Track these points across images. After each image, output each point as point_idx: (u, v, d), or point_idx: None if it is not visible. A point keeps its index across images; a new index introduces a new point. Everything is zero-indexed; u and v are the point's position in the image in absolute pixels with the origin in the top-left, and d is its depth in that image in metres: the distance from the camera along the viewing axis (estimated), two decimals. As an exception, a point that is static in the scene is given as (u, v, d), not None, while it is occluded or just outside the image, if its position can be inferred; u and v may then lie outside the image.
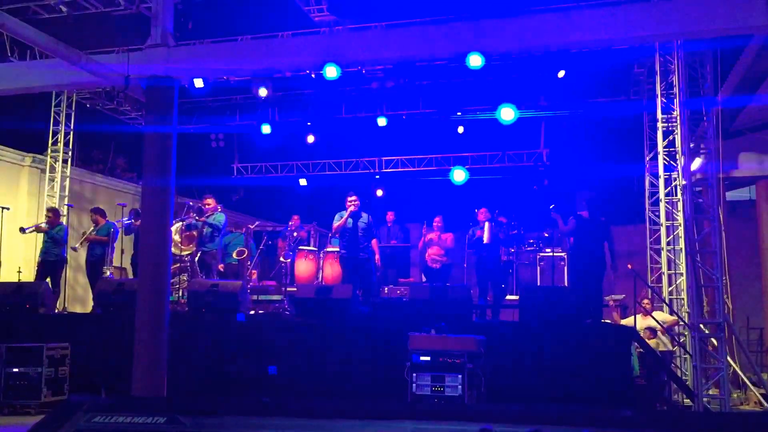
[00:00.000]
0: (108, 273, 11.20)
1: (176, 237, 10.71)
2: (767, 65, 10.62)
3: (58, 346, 8.89)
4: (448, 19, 10.50)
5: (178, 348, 8.14)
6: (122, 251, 11.41)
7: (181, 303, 10.26)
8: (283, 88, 13.67)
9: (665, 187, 11.17)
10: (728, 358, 8.55)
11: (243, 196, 16.92)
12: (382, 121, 13.88)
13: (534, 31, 7.82)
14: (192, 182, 13.36)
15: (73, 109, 14.16)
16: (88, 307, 12.00)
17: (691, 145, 8.71)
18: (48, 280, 10.78)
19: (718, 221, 8.49)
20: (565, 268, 11.46)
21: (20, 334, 9.13)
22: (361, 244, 10.15)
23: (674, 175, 10.91)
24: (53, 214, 11.38)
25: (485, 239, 10.28)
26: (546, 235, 12.27)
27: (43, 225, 11.26)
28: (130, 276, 11.26)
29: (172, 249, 9.44)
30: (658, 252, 11.62)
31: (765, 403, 9.17)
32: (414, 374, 7.41)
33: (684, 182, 8.66)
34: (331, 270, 11.18)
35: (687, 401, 8.97)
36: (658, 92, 10.99)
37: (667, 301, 10.86)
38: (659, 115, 11.02)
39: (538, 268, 12.25)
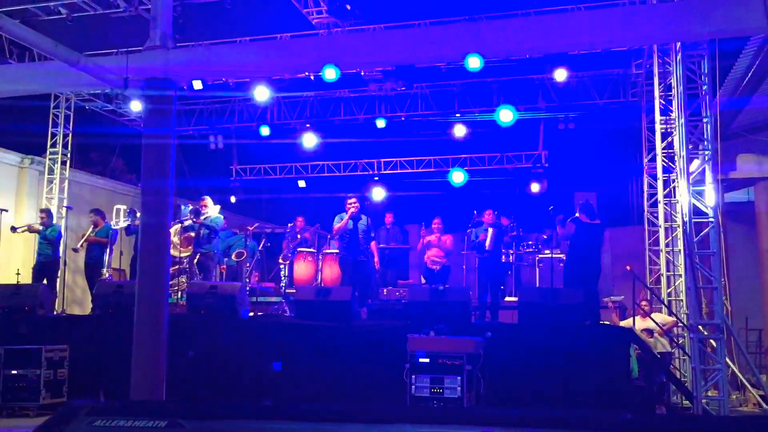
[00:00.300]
0: (107, 275, 11.20)
1: (175, 239, 10.70)
2: (766, 67, 10.63)
3: (57, 348, 8.89)
4: (447, 21, 10.51)
5: (177, 350, 8.13)
6: (121, 253, 11.41)
7: (180, 305, 10.25)
8: (282, 89, 13.67)
9: (664, 189, 11.18)
10: (727, 360, 8.55)
11: (242, 198, 16.91)
12: (380, 123, 13.90)
13: (533, 33, 7.82)
14: (191, 184, 13.37)
15: (72, 111, 14.15)
16: (87, 309, 12.00)
17: (690, 147, 8.71)
18: (45, 281, 10.78)
19: (717, 223, 8.49)
20: (565, 270, 11.45)
21: (19, 336, 9.12)
22: (361, 246, 10.32)
23: (673, 176, 10.91)
24: (46, 214, 11.43)
25: (488, 245, 10.23)
26: (545, 236, 12.26)
27: (36, 225, 11.27)
28: (129, 278, 11.26)
29: (171, 251, 9.42)
30: (657, 253, 11.63)
31: (764, 405, 9.18)
32: (413, 376, 7.42)
33: (683, 184, 8.66)
34: (330, 272, 11.18)
35: (686, 403, 8.97)
36: (657, 94, 11.00)
37: (666, 302, 10.86)
38: (658, 117, 11.04)
39: (537, 269, 12.24)
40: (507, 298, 11.34)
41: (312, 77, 12.33)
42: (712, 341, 8.72)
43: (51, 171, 13.92)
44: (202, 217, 10.92)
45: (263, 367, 8.60)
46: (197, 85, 11.81)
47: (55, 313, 10.63)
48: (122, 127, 15.11)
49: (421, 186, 15.24)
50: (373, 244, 10.91)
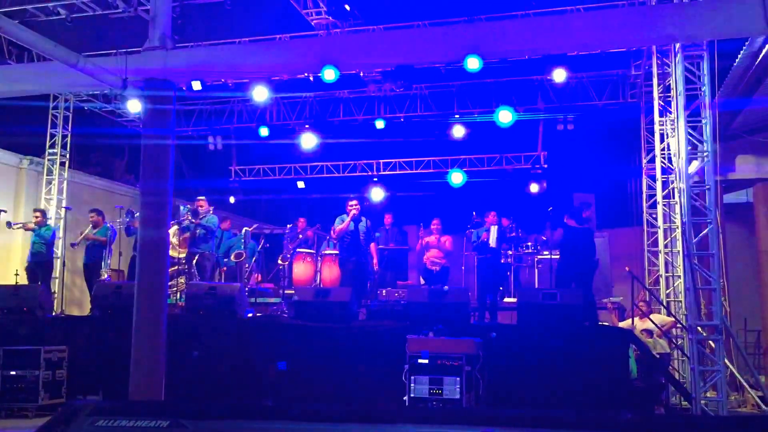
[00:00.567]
0: (105, 276, 11.19)
1: (174, 240, 10.69)
2: (765, 68, 10.63)
3: (56, 349, 8.88)
4: (446, 21, 10.52)
5: (175, 351, 8.13)
6: (120, 254, 11.40)
7: (179, 306, 10.25)
8: (281, 90, 13.67)
9: (663, 190, 11.18)
10: (726, 361, 8.55)
11: (241, 199, 16.91)
12: (380, 124, 13.91)
13: (532, 34, 7.83)
14: (190, 185, 13.36)
15: (71, 111, 14.13)
16: (86, 310, 11.99)
17: (689, 148, 8.71)
18: (39, 283, 10.79)
19: (716, 224, 8.49)
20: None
21: (18, 337, 9.11)
22: (362, 247, 10.51)
23: (672, 177, 10.91)
24: (41, 214, 11.54)
25: (492, 243, 10.23)
26: (544, 238, 12.27)
27: (31, 224, 11.30)
28: (128, 279, 11.25)
29: (170, 252, 9.42)
30: (656, 255, 11.63)
31: (763, 406, 9.18)
32: (412, 377, 7.42)
33: (681, 185, 8.67)
34: (330, 272, 11.18)
35: (685, 404, 8.97)
36: (656, 95, 11.01)
37: (664, 303, 10.86)
38: (657, 118, 11.05)
39: (536, 270, 12.25)
40: (506, 299, 11.34)
41: (311, 78, 12.33)
42: (710, 342, 8.72)
43: (50, 172, 13.91)
44: (201, 218, 10.93)
45: (262, 367, 8.60)
46: (196, 85, 11.79)
47: (53, 313, 10.62)
48: (121, 128, 15.10)
49: (421, 187, 15.25)
50: (372, 245, 11.04)
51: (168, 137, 7.91)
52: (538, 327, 8.28)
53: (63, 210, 13.45)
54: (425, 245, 11.21)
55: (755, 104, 11.51)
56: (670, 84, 10.37)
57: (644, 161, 12.28)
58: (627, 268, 10.79)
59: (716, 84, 9.34)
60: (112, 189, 15.79)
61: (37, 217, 11.38)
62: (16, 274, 11.12)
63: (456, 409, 6.86)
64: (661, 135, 11.04)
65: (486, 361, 7.64)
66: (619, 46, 9.75)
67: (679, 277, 10.44)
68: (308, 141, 14.16)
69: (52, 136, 13.93)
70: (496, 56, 9.40)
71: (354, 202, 10.55)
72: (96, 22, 10.92)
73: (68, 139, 14.07)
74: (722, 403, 8.22)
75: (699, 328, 8.60)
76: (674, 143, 10.45)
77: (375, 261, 11.25)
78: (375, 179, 15.32)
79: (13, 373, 8.56)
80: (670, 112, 10.49)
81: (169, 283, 9.40)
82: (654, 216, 11.69)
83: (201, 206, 11.09)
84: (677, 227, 10.60)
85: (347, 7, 11.09)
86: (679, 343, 10.25)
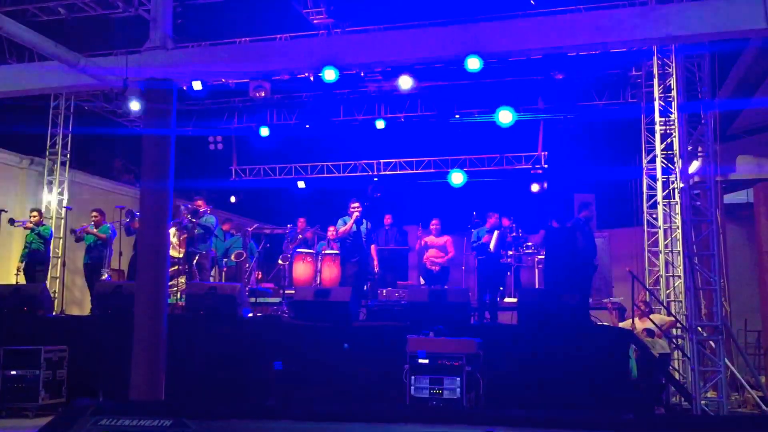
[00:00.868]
0: (106, 275, 11.19)
1: (173, 239, 10.69)
2: (765, 68, 10.64)
3: (56, 349, 8.88)
4: (446, 21, 10.51)
5: (176, 351, 8.13)
6: (120, 253, 11.40)
7: (179, 305, 10.25)
8: (282, 90, 13.68)
9: (663, 190, 11.18)
10: (726, 361, 8.55)
11: (241, 198, 16.92)
12: (380, 124, 13.91)
13: (532, 34, 7.82)
14: (190, 185, 13.36)
15: (72, 111, 14.15)
16: (86, 309, 11.99)
17: (689, 148, 8.72)
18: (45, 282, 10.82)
19: (716, 224, 8.49)
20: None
21: (18, 336, 9.11)
22: (364, 248, 10.65)
23: (672, 177, 10.93)
24: (39, 214, 11.59)
25: (492, 247, 10.23)
26: (530, 243, 12.29)
27: (29, 224, 11.35)
28: (128, 278, 11.25)
29: (171, 251, 9.42)
30: (656, 255, 11.63)
31: (763, 406, 9.18)
32: (412, 377, 7.42)
33: (682, 185, 8.67)
34: (330, 272, 11.18)
35: (685, 404, 8.97)
36: (656, 95, 11.01)
37: (665, 304, 10.87)
38: (657, 118, 11.05)
39: (537, 270, 12.24)
40: (506, 299, 11.34)
41: (311, 78, 12.33)
42: (711, 342, 8.72)
43: (51, 171, 13.92)
44: (202, 219, 10.93)
45: (262, 367, 8.59)
46: (197, 85, 11.81)
47: (54, 313, 10.63)
48: (122, 128, 15.10)
49: (421, 187, 15.26)
50: (373, 247, 11.14)
51: (168, 137, 7.91)
52: (539, 327, 8.28)
53: (64, 210, 13.46)
54: (424, 245, 11.23)
55: (755, 104, 11.51)
56: (670, 84, 10.39)
57: (645, 161, 12.28)
58: (627, 269, 10.79)
59: (716, 84, 9.34)
60: (112, 189, 15.80)
61: (34, 216, 11.41)
62: (17, 274, 11.14)
63: (456, 409, 6.87)
64: (662, 135, 11.04)
65: (486, 361, 7.63)
66: (619, 46, 9.75)
67: (680, 277, 10.45)
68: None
69: (53, 135, 13.93)
70: (496, 56, 9.41)
71: (356, 204, 10.63)
72: (97, 22, 10.93)
73: (69, 139, 14.08)
74: (722, 404, 8.22)
75: (699, 329, 8.60)
76: (675, 143, 10.46)
77: (375, 263, 11.29)
78: (375, 179, 15.33)
79: (13, 372, 8.55)
80: (671, 113, 10.51)
81: (170, 283, 9.40)
82: (654, 216, 11.69)
83: (199, 206, 11.11)
84: (677, 227, 10.61)
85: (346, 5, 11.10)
86: (680, 343, 10.25)
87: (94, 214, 11.38)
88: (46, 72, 8.86)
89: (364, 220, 10.68)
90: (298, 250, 11.71)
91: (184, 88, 10.89)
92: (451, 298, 8.79)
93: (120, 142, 16.11)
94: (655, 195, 11.48)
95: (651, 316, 10.20)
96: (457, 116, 13.77)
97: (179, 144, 8.24)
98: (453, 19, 10.68)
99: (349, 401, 8.17)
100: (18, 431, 7.88)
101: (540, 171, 14.38)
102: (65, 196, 13.97)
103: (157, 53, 7.90)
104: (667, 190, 11.15)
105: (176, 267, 10.71)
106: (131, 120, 14.91)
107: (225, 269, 11.90)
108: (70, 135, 14.10)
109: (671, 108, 10.49)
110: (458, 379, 7.28)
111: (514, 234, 12.00)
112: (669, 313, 10.58)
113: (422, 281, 11.41)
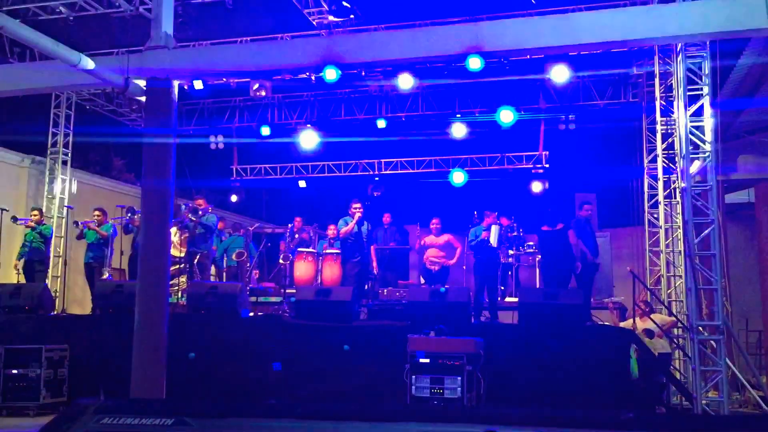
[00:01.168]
0: (107, 275, 11.20)
1: (175, 238, 10.70)
2: (766, 68, 10.63)
3: (57, 348, 8.89)
4: (447, 21, 10.51)
5: (177, 350, 8.13)
6: (121, 253, 11.41)
7: (180, 305, 10.26)
8: (283, 90, 13.68)
9: (664, 190, 11.18)
10: (727, 361, 8.54)
11: (242, 198, 16.91)
12: (381, 123, 13.91)
13: (534, 34, 7.82)
14: (191, 184, 13.37)
15: (73, 110, 14.16)
16: (87, 308, 11.99)
17: (690, 148, 8.70)
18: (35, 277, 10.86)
19: (717, 224, 8.48)
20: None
21: (19, 335, 9.12)
22: (365, 249, 10.77)
23: (673, 177, 10.91)
24: (39, 212, 11.62)
25: (493, 243, 10.21)
26: (531, 242, 12.27)
27: (31, 222, 11.37)
28: (129, 277, 11.26)
29: (171, 251, 9.43)
30: (658, 254, 11.63)
31: (764, 406, 9.17)
32: (413, 376, 7.42)
33: (683, 185, 8.66)
34: (330, 272, 11.19)
35: (686, 404, 8.96)
36: (658, 95, 11.01)
37: (666, 303, 10.86)
38: (658, 118, 11.04)
39: (537, 270, 12.23)
40: (507, 299, 11.34)
41: (312, 78, 12.34)
42: (712, 342, 8.71)
43: (52, 171, 13.93)
44: (203, 217, 10.94)
45: (263, 367, 8.60)
46: (198, 84, 11.82)
47: (55, 312, 10.64)
48: (123, 127, 15.11)
49: (422, 186, 15.25)
50: (372, 248, 11.18)
51: (169, 136, 7.91)
52: (539, 327, 8.28)
53: (65, 209, 13.46)
54: (424, 245, 11.24)
55: (757, 104, 11.51)
56: (671, 84, 10.36)
57: (646, 161, 12.28)
58: (628, 268, 10.79)
59: (718, 84, 9.33)
60: (113, 188, 15.81)
61: (35, 215, 11.43)
62: (18, 273, 11.15)
63: (457, 408, 6.86)
64: (663, 135, 11.04)
65: (487, 361, 7.64)
66: (620, 45, 9.74)
67: (681, 276, 10.44)
68: (308, 139, 14.15)
69: (54, 135, 13.94)
70: (497, 55, 9.39)
71: (358, 205, 10.73)
72: (98, 21, 10.93)
73: (70, 138, 14.09)
74: (723, 403, 8.22)
75: (700, 328, 8.60)
76: (676, 143, 10.44)
77: (374, 264, 11.31)
78: (376, 179, 15.32)
79: (14, 371, 8.56)
80: (672, 112, 10.49)
81: (171, 282, 9.40)
82: (655, 216, 11.69)
83: (200, 205, 11.12)
84: (679, 227, 10.60)
85: (347, 5, 11.08)
86: (681, 342, 10.24)
87: (97, 213, 11.39)
88: (48, 71, 8.86)
89: (365, 221, 10.76)
90: (299, 249, 11.72)
91: (186, 87, 10.89)
92: (452, 298, 8.79)
93: (121, 142, 16.11)
94: (657, 195, 11.47)
95: (652, 316, 10.20)
96: (458, 115, 13.76)
97: (180, 143, 8.24)
98: (454, 18, 10.69)
99: (350, 400, 8.18)
100: (19, 430, 7.89)
101: (541, 170, 14.37)
102: (66, 196, 13.97)
103: (158, 52, 7.90)
104: (668, 190, 11.15)
105: (177, 266, 10.72)
106: (132, 119, 14.93)
107: (225, 269, 11.90)
108: (71, 134, 14.11)
109: (673, 107, 10.47)
110: (459, 378, 7.28)
111: (514, 233, 11.99)
112: (670, 313, 10.58)
113: (422, 281, 11.40)
